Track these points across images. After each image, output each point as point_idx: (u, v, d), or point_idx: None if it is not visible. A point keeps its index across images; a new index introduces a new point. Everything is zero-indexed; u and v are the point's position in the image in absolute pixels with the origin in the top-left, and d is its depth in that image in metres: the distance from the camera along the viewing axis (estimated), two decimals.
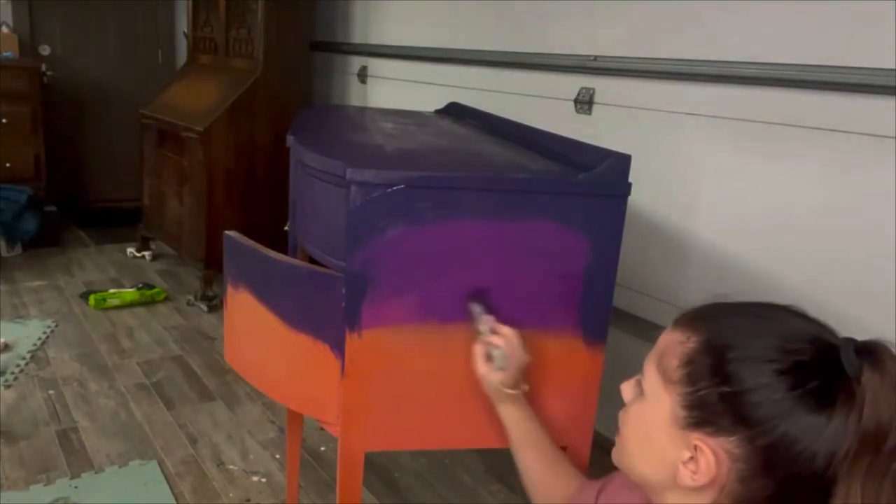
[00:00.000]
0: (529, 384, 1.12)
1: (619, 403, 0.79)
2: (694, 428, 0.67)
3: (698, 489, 0.67)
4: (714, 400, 0.65)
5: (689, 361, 0.68)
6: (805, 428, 0.62)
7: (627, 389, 0.78)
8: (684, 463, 0.68)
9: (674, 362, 0.69)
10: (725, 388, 0.65)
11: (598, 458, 1.13)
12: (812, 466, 0.62)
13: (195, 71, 3.64)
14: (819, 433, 0.61)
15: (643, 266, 2.01)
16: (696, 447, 0.66)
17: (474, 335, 1.09)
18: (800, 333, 0.66)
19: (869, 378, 0.62)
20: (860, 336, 0.66)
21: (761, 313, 0.69)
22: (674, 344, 0.70)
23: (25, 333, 2.76)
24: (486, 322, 1.08)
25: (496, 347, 1.06)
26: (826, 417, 0.62)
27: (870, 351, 0.63)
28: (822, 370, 0.63)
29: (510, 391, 1.07)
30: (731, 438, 0.64)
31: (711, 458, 0.65)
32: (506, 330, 1.07)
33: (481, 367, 1.08)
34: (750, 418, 0.63)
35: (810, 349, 0.64)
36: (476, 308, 1.09)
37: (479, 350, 1.08)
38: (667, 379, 0.70)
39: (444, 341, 1.12)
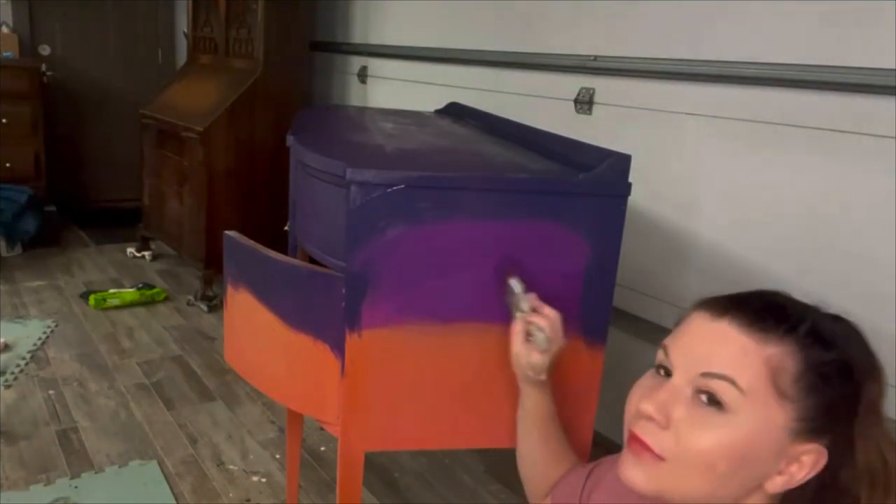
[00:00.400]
0: None
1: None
2: (808, 435, 0.69)
3: (774, 490, 0.71)
4: (826, 407, 0.69)
5: (801, 375, 0.68)
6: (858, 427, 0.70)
7: (659, 407, 0.71)
8: (780, 470, 0.69)
9: (787, 378, 0.68)
10: (832, 395, 0.69)
11: (598, 458, 1.13)
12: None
13: (195, 71, 3.64)
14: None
15: (643, 266, 2.01)
16: (805, 452, 0.69)
17: (511, 311, 1.05)
18: (830, 325, 0.72)
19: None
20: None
21: (805, 311, 0.73)
22: (778, 359, 0.69)
23: (25, 333, 2.76)
24: (528, 300, 1.04)
25: (540, 329, 1.01)
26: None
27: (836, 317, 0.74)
28: (849, 353, 0.71)
29: (541, 377, 1.04)
30: (826, 438, 0.69)
31: (819, 458, 0.69)
32: (550, 311, 1.03)
33: (518, 346, 1.03)
34: (844, 420, 0.69)
35: (843, 336, 0.72)
36: (517, 284, 1.05)
37: (518, 328, 1.03)
38: (782, 395, 0.68)
39: (444, 341, 1.12)
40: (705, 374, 0.69)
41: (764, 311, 0.71)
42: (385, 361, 1.11)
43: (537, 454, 1.08)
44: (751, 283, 1.77)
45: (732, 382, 0.68)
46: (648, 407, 0.70)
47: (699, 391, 0.69)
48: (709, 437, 0.68)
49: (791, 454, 0.69)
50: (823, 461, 0.68)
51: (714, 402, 0.68)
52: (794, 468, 0.69)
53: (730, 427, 0.68)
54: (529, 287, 1.06)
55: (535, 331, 1.02)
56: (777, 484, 0.70)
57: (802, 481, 0.69)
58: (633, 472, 0.72)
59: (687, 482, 0.70)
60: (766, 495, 0.71)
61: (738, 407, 0.68)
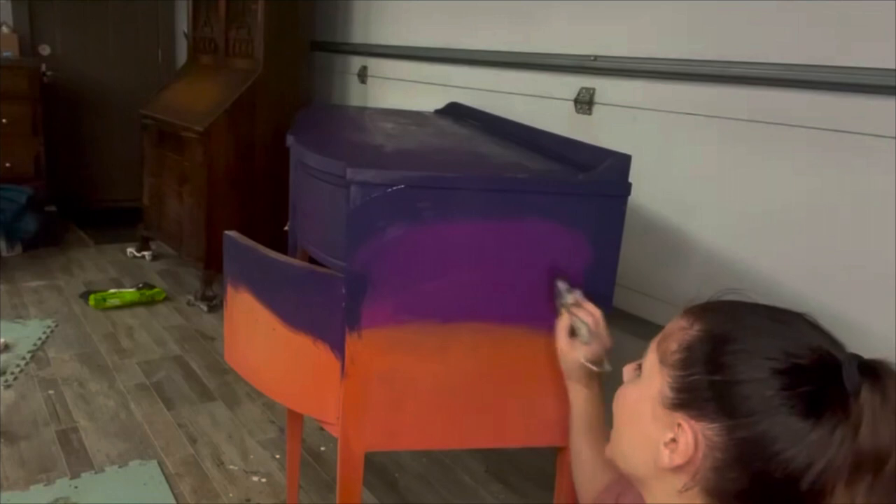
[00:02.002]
0: (531, 383, 1.12)
1: None
2: (679, 409, 0.69)
3: (673, 471, 0.69)
4: (703, 386, 0.67)
5: (688, 347, 0.70)
6: (787, 430, 0.62)
7: (628, 371, 0.79)
8: (665, 444, 0.69)
9: (672, 346, 0.71)
10: (717, 377, 0.66)
11: None
12: (787, 469, 0.61)
13: (195, 71, 3.64)
14: (800, 438, 0.61)
15: (643, 266, 2.01)
16: (678, 426, 0.68)
17: (558, 310, 1.10)
18: (807, 340, 0.66)
19: (868, 398, 0.61)
20: (861, 340, 0.67)
21: (773, 315, 0.70)
22: (677, 329, 0.72)
23: (25, 333, 2.76)
24: (573, 296, 1.08)
25: (582, 322, 1.05)
26: (811, 424, 0.61)
27: (873, 370, 0.62)
28: (819, 378, 0.63)
29: (582, 372, 1.06)
30: (713, 425, 0.66)
31: (691, 438, 0.67)
32: (593, 307, 1.07)
33: (562, 342, 1.07)
34: (735, 409, 0.64)
35: (812, 356, 0.64)
36: (562, 284, 1.10)
37: (562, 324, 1.08)
38: (663, 361, 0.71)
39: (444, 341, 1.12)
40: None
41: (710, 301, 0.74)
42: (385, 361, 1.11)
43: (585, 455, 1.07)
44: (749, 282, 1.77)
45: (645, 352, 0.76)
46: (624, 368, 0.79)
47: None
48: (620, 392, 0.78)
49: (671, 425, 0.68)
50: (692, 444, 0.66)
51: (640, 367, 0.77)
52: (679, 443, 0.68)
53: (632, 385, 0.76)
54: (528, 288, 1.06)
55: (578, 325, 1.06)
56: (662, 458, 0.69)
57: (679, 462, 0.67)
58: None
59: (618, 445, 0.78)
60: (664, 474, 0.70)
61: (643, 369, 0.75)
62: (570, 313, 1.07)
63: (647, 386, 0.73)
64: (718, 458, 0.65)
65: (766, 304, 0.71)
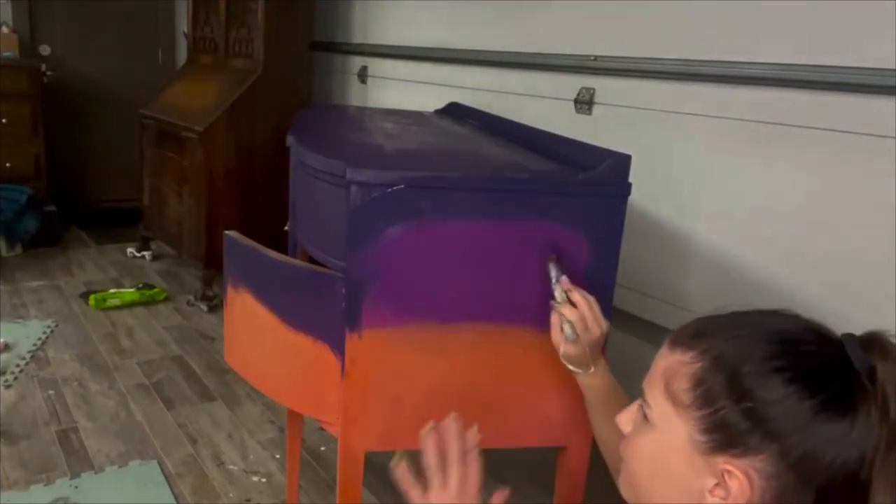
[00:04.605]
0: (531, 383, 1.12)
1: None
2: (718, 452, 0.63)
3: None
4: (737, 419, 0.62)
5: (700, 381, 0.65)
6: (833, 435, 0.60)
7: (626, 419, 0.74)
8: (710, 490, 0.64)
9: (682, 385, 0.66)
10: (747, 404, 0.62)
11: (597, 458, 1.14)
12: (846, 470, 0.60)
13: (195, 71, 3.64)
14: (846, 437, 0.60)
15: (643, 266, 2.01)
16: (724, 472, 0.63)
17: (552, 293, 1.05)
18: (805, 337, 0.64)
19: (883, 373, 0.60)
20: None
21: (760, 321, 0.67)
22: (678, 365, 0.67)
23: (25, 333, 2.76)
24: (559, 288, 1.04)
25: (567, 320, 1.01)
26: (850, 422, 0.60)
27: (873, 342, 0.62)
28: (836, 371, 0.62)
29: (577, 368, 1.02)
30: (761, 456, 0.62)
31: (744, 480, 0.62)
32: (580, 297, 1.02)
33: (555, 337, 1.04)
34: (779, 431, 0.61)
35: (819, 351, 0.63)
36: (552, 270, 1.05)
37: (554, 319, 1.04)
38: (678, 404, 0.66)
39: (444, 341, 1.12)
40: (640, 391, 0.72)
41: (693, 323, 0.70)
42: (385, 361, 1.11)
43: (607, 436, 1.04)
44: (750, 282, 1.77)
45: (643, 395, 0.71)
46: (618, 418, 0.77)
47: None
48: (632, 444, 0.73)
49: (714, 472, 0.64)
50: (746, 486, 0.62)
51: (644, 414, 0.71)
52: (732, 489, 0.63)
53: (646, 436, 0.70)
54: (528, 288, 1.05)
55: (563, 323, 1.02)
56: None
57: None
58: (619, 481, 0.77)
59: (636, 488, 0.73)
60: None
61: (652, 417, 0.69)
62: (557, 312, 1.03)
63: (667, 435, 0.67)
64: (777, 486, 0.62)
65: (741, 310, 0.69)
